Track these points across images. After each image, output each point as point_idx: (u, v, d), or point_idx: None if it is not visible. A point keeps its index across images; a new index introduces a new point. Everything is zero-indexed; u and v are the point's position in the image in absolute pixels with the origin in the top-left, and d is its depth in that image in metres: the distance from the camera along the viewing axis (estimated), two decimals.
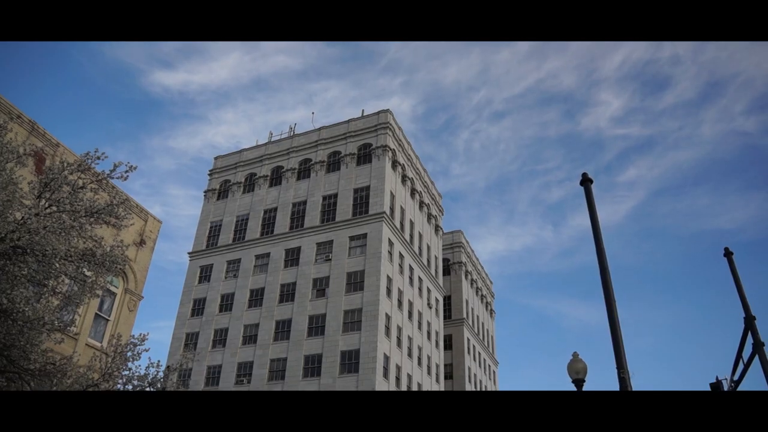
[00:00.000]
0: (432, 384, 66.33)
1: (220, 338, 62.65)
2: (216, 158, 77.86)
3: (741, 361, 17.47)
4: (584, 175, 14.90)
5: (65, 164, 15.88)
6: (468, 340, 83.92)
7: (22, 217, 14.29)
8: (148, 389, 17.38)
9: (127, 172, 16.32)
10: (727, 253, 18.49)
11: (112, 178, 16.44)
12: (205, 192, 75.53)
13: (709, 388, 18.39)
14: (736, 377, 17.78)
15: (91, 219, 16.00)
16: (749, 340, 17.03)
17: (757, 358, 16.60)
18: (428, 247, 74.74)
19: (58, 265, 15.07)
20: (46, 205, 15.41)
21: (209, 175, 76.83)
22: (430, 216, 77.05)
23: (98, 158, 16.28)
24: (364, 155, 67.50)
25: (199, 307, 66.11)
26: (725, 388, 18.12)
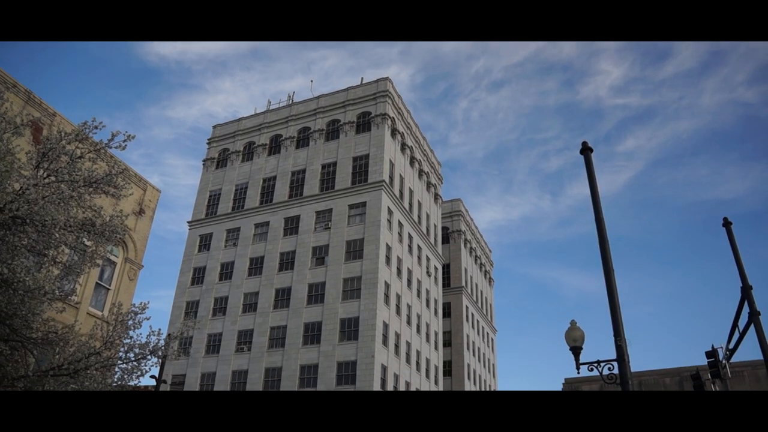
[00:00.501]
0: (431, 351, 66.98)
1: (221, 306, 63.07)
2: (214, 127, 77.48)
3: (737, 329, 17.63)
4: (584, 143, 14.87)
5: (63, 134, 15.78)
6: (467, 308, 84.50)
7: (21, 187, 14.27)
8: (149, 357, 17.53)
9: (125, 141, 16.20)
10: (726, 223, 18.53)
11: (111, 147, 16.34)
12: (203, 161, 75.32)
13: (705, 357, 18.61)
14: (731, 345, 17.98)
15: (90, 189, 15.94)
16: (745, 309, 17.16)
17: (752, 326, 16.75)
18: (427, 216, 74.82)
19: (57, 235, 15.07)
20: (45, 175, 15.36)
21: (208, 143, 76.52)
22: (429, 184, 76.96)
23: (96, 128, 16.16)
24: (363, 123, 67.15)
25: (199, 276, 66.41)
26: (721, 356, 18.33)
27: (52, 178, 15.35)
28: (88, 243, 16.99)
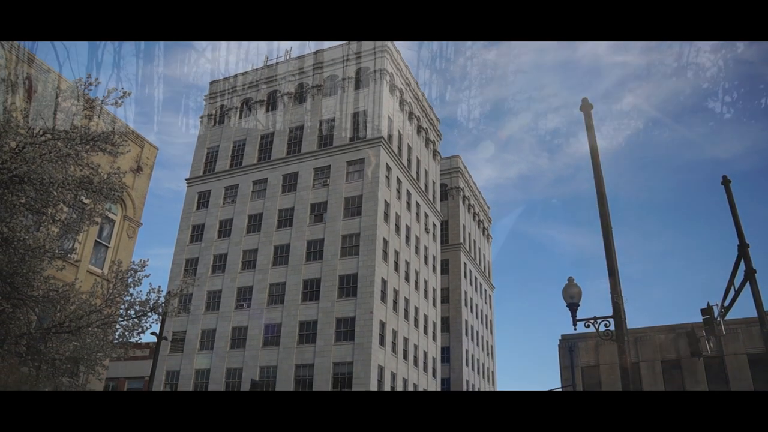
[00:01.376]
0: (429, 307, 67.63)
1: (220, 264, 63.38)
2: (211, 83, 76.61)
3: (732, 287, 17.76)
4: (584, 100, 14.72)
5: (58, 91, 15.61)
6: (465, 264, 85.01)
7: (17, 145, 14.16)
8: (149, 314, 17.69)
9: (121, 98, 16.03)
10: (725, 181, 18.48)
11: (106, 104, 16.18)
12: (200, 117, 74.69)
13: (700, 314, 18.80)
14: (726, 303, 18.15)
15: (87, 146, 15.81)
16: (742, 267, 17.25)
17: (748, 284, 16.87)
18: (426, 172, 74.66)
19: (56, 193, 15.00)
20: (41, 133, 15.24)
21: (205, 100, 75.77)
22: (428, 141, 76.58)
23: (91, 84, 15.98)
24: (362, 79, 66.45)
25: (197, 233, 66.54)
26: (716, 314, 18.52)
27: (48, 136, 15.22)
28: (87, 201, 16.96)
